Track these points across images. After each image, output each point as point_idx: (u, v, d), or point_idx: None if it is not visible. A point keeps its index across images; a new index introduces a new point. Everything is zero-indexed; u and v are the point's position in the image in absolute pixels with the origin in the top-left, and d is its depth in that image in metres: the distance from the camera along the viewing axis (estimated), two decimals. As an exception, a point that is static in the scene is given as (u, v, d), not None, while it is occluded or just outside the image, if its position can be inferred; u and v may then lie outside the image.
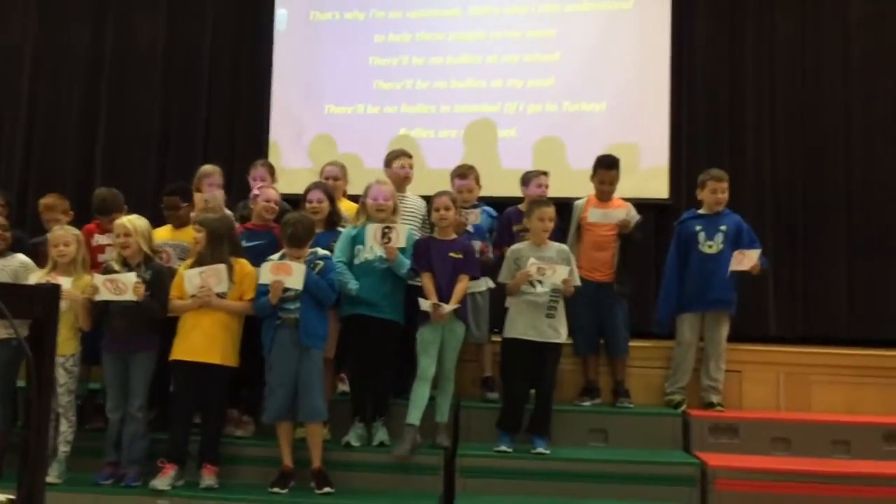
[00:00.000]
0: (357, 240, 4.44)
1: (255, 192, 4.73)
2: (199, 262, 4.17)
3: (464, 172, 4.99)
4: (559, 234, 4.85)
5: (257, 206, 4.64)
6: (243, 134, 6.58)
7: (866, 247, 5.94)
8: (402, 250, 4.38)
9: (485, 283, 4.71)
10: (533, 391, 4.46)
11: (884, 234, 5.92)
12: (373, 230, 4.33)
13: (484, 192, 5.25)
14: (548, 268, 4.29)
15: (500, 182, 5.81)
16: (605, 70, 6.29)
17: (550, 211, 4.46)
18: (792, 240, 6.05)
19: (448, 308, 4.30)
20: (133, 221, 4.24)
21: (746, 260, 4.71)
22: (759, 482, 4.17)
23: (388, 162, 4.99)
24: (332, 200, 4.65)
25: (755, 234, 4.96)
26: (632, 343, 4.97)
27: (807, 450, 4.48)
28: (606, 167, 4.97)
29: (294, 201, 4.91)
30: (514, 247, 4.53)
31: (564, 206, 5.11)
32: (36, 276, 4.23)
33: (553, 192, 5.34)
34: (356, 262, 4.42)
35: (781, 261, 6.00)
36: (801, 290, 5.99)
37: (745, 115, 6.20)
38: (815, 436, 4.53)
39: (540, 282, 4.33)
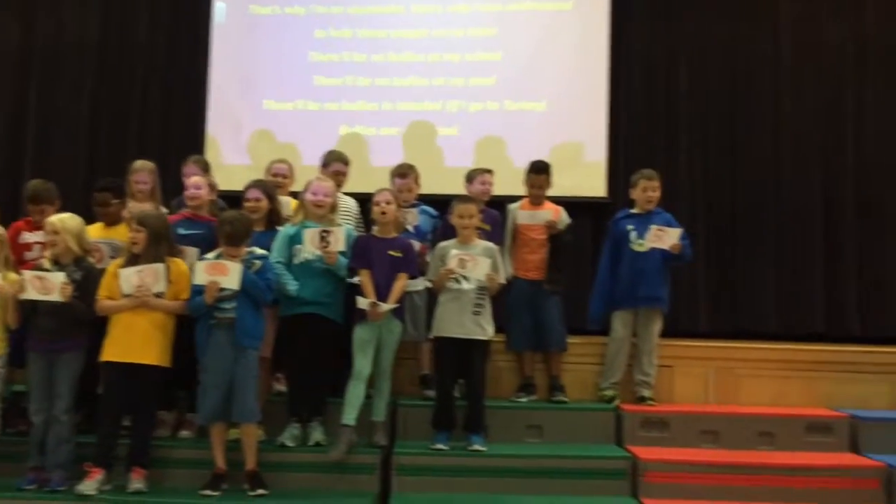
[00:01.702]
0: (296, 239, 4.42)
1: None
2: (137, 261, 4.10)
3: (404, 171, 5.02)
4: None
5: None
6: (179, 128, 6.48)
7: (793, 245, 6.14)
8: (342, 252, 4.37)
9: (423, 283, 4.74)
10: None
11: (809, 234, 6.13)
12: (311, 235, 4.32)
13: (426, 191, 5.30)
14: (469, 260, 4.34)
15: (443, 180, 5.85)
16: (545, 69, 6.37)
17: (471, 208, 4.51)
18: (722, 238, 6.22)
19: (386, 307, 4.32)
20: (63, 220, 4.15)
21: (666, 237, 4.82)
22: (687, 474, 4.31)
23: (325, 162, 4.99)
24: (273, 199, 4.63)
25: (686, 233, 5.08)
26: (567, 339, 5.05)
27: (733, 442, 4.63)
28: (536, 172, 5.07)
29: (233, 198, 4.87)
30: (441, 244, 4.58)
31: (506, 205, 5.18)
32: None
33: (495, 190, 5.41)
34: (295, 261, 4.41)
35: (712, 258, 6.18)
36: (730, 287, 6.17)
37: (680, 116, 6.35)
38: (741, 428, 4.68)
39: (465, 277, 4.37)
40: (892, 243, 6.09)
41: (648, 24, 6.40)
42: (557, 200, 5.22)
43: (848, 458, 4.51)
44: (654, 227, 4.86)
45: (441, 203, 5.13)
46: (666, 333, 5.14)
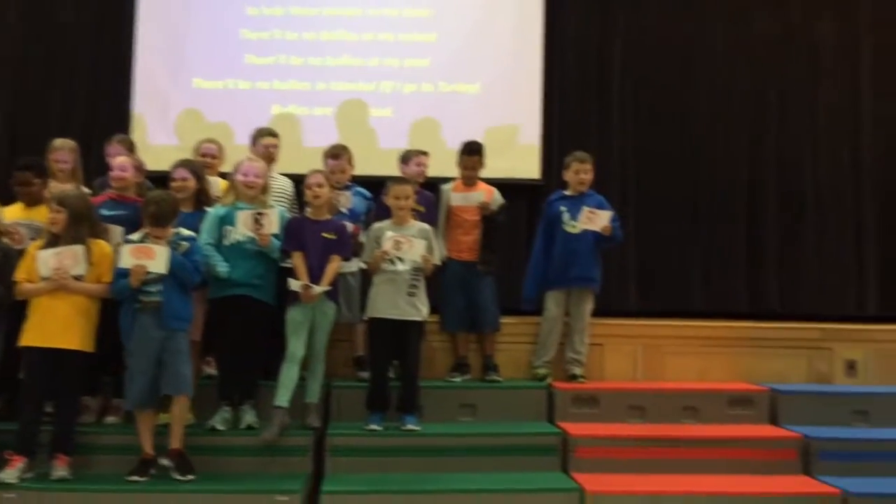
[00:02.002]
0: (226, 220, 4.35)
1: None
2: (56, 242, 3.97)
3: (336, 153, 4.97)
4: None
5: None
6: (104, 107, 6.26)
7: (719, 227, 6.34)
8: (275, 234, 4.33)
9: (357, 264, 4.72)
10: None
11: (734, 216, 6.34)
12: (243, 217, 4.27)
13: (361, 172, 5.26)
14: (405, 241, 4.35)
15: (377, 162, 5.83)
16: (480, 52, 6.39)
17: (406, 189, 4.51)
18: (652, 220, 6.36)
19: (319, 289, 4.30)
20: (-25, 201, 3.99)
21: (598, 219, 4.91)
22: (615, 448, 4.42)
23: (254, 140, 4.91)
24: (200, 179, 4.53)
25: (617, 215, 5.17)
26: (501, 320, 5.11)
27: (660, 416, 4.77)
28: (469, 153, 5.09)
29: (160, 179, 4.75)
30: (376, 225, 4.58)
31: (435, 187, 5.20)
32: None
33: (430, 172, 5.41)
34: (226, 242, 4.34)
35: (642, 240, 6.32)
36: (659, 268, 6.33)
37: (613, 99, 6.46)
38: (667, 403, 4.82)
39: (400, 259, 4.38)
40: (811, 226, 6.35)
41: (583, 9, 6.48)
42: (492, 182, 5.26)
43: (767, 430, 4.69)
44: (586, 209, 4.94)
45: (375, 184, 5.11)
46: (597, 313, 5.24)
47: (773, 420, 4.80)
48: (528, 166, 6.35)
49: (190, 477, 3.95)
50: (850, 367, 5.21)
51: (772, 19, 6.44)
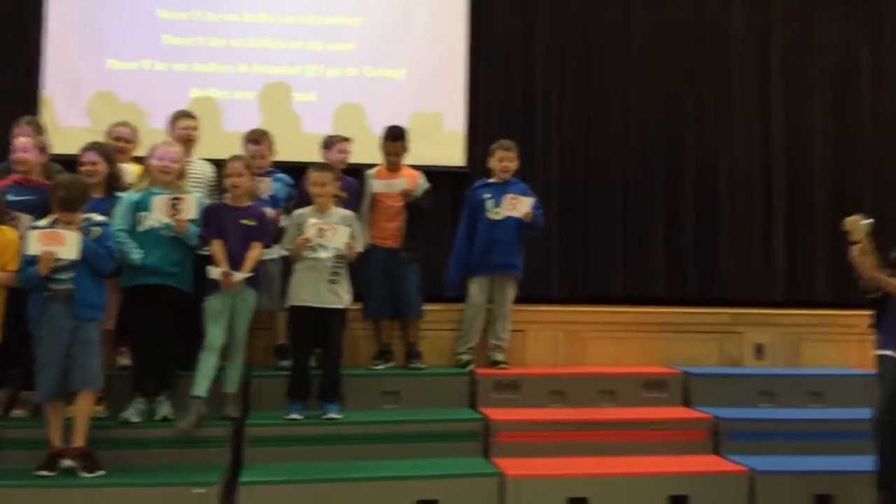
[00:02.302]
0: (141, 205, 4.23)
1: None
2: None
3: (256, 138, 4.88)
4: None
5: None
6: (10, 88, 5.96)
7: (638, 216, 6.50)
8: (193, 220, 4.23)
9: (278, 251, 4.65)
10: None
11: (652, 205, 6.51)
12: (160, 202, 4.15)
13: (284, 158, 5.19)
14: (328, 228, 4.31)
15: (301, 147, 5.73)
16: (406, 38, 6.36)
17: (327, 176, 4.46)
18: (574, 208, 6.48)
19: (239, 276, 4.24)
20: None
21: (520, 206, 4.97)
22: (536, 433, 4.50)
23: (171, 123, 4.77)
24: (112, 163, 4.38)
25: (539, 202, 5.24)
26: (425, 307, 5.12)
27: (579, 400, 4.87)
28: (392, 138, 5.06)
29: (71, 163, 4.56)
30: (297, 212, 4.53)
31: (360, 173, 5.16)
32: None
33: (354, 157, 5.37)
34: (140, 229, 4.22)
35: (565, 227, 6.44)
36: (581, 255, 6.46)
37: (537, 86, 6.53)
38: (585, 387, 4.92)
39: (323, 246, 4.34)
40: (725, 214, 6.57)
41: (508, -3, 6.53)
42: (417, 169, 5.24)
43: (680, 412, 4.85)
44: (508, 196, 4.99)
45: (298, 170, 5.03)
46: (521, 299, 5.32)
47: (687, 402, 4.96)
48: (453, 153, 6.37)
49: (99, 473, 3.83)
50: (759, 350, 5.43)
51: (687, 10, 6.60)
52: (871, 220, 3.78)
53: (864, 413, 3.93)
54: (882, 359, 3.83)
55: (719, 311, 5.63)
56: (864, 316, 4.01)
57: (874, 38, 6.75)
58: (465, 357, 5.09)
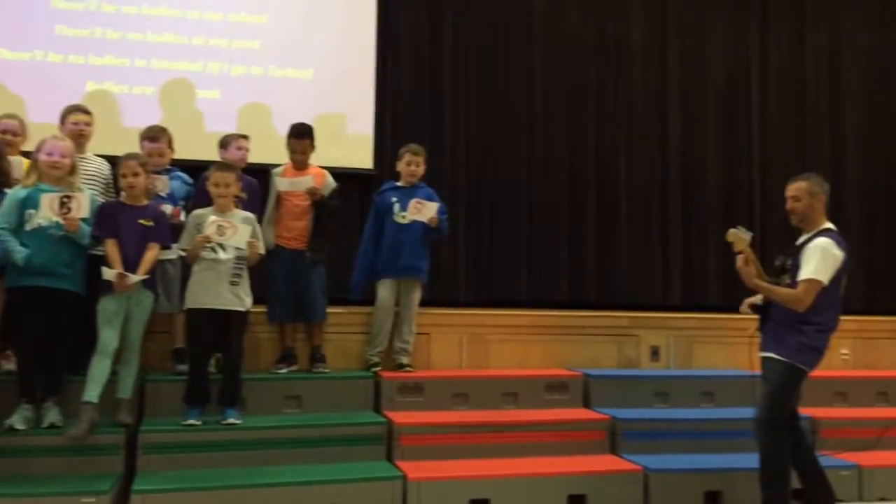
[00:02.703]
0: (28, 203, 4.03)
1: None
2: None
3: (154, 135, 4.73)
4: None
5: None
6: None
7: (542, 220, 6.62)
8: (85, 219, 4.07)
9: (176, 252, 4.51)
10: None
11: (555, 210, 6.64)
12: (49, 200, 3.97)
13: (186, 156, 5.06)
14: (229, 227, 4.22)
15: (204, 146, 5.56)
16: (313, 37, 6.27)
17: (229, 176, 4.34)
18: (481, 212, 6.55)
19: (135, 278, 4.09)
20: None
21: (426, 210, 5.01)
22: (439, 435, 4.53)
23: (63, 117, 4.57)
24: (1, 157, 4.16)
25: (445, 207, 5.27)
26: (329, 309, 5.08)
27: (482, 403, 4.92)
28: (298, 136, 4.99)
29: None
30: (196, 212, 4.41)
31: (266, 173, 5.08)
32: None
33: (260, 157, 5.29)
34: (28, 227, 4.03)
35: (472, 232, 6.50)
36: (487, 259, 6.54)
37: (445, 91, 6.56)
38: (489, 390, 4.98)
39: (222, 246, 4.24)
40: (623, 219, 6.77)
41: (415, 0, 6.53)
42: (324, 169, 5.19)
43: (580, 413, 4.97)
44: (414, 201, 5.02)
45: (201, 169, 4.90)
46: (429, 303, 5.34)
47: (587, 403, 5.09)
48: (361, 156, 6.33)
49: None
50: (654, 352, 5.64)
51: (588, 20, 6.79)
52: (751, 233, 3.97)
53: (751, 412, 4.12)
54: (765, 360, 4.04)
55: (618, 314, 5.81)
56: (752, 320, 4.19)
57: (761, 50, 7.10)
58: (375, 359, 5.07)
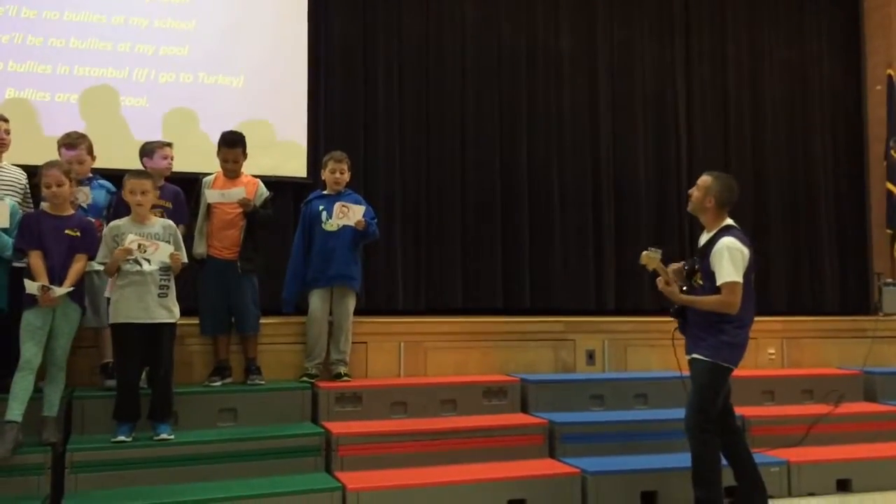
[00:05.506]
0: (-57, 214, 3.85)
1: None
2: None
3: (72, 142, 4.56)
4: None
5: None
6: None
7: (476, 228, 6.68)
8: (5, 229, 3.91)
9: (96, 265, 4.35)
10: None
11: (489, 218, 6.70)
12: None
13: (110, 165, 4.94)
14: (150, 245, 4.11)
15: (130, 154, 5.36)
16: (243, 44, 6.20)
17: (145, 184, 4.20)
18: (417, 220, 6.57)
19: (60, 291, 3.95)
20: None
21: (351, 213, 4.96)
22: (377, 444, 4.49)
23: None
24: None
25: (375, 211, 5.24)
26: (263, 320, 4.99)
27: (421, 411, 4.91)
28: (229, 145, 4.89)
29: None
30: (113, 223, 4.26)
31: (195, 181, 4.98)
32: None
33: (186, 166, 5.18)
34: (-58, 240, 3.85)
35: (408, 240, 6.51)
36: (425, 267, 6.54)
37: (378, 99, 6.56)
38: (427, 398, 4.97)
39: (147, 260, 4.13)
40: (558, 227, 6.89)
41: (347, 8, 6.51)
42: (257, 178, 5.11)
43: (518, 418, 5.00)
44: (338, 204, 4.96)
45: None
46: (367, 311, 5.29)
47: (524, 408, 5.13)
48: (294, 164, 6.27)
49: None
50: (590, 356, 5.72)
51: (519, 33, 6.89)
52: (660, 249, 4.06)
53: (683, 413, 4.21)
54: (692, 362, 4.13)
55: (554, 319, 5.88)
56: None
57: (686, 61, 7.33)
58: (314, 371, 5.00)
